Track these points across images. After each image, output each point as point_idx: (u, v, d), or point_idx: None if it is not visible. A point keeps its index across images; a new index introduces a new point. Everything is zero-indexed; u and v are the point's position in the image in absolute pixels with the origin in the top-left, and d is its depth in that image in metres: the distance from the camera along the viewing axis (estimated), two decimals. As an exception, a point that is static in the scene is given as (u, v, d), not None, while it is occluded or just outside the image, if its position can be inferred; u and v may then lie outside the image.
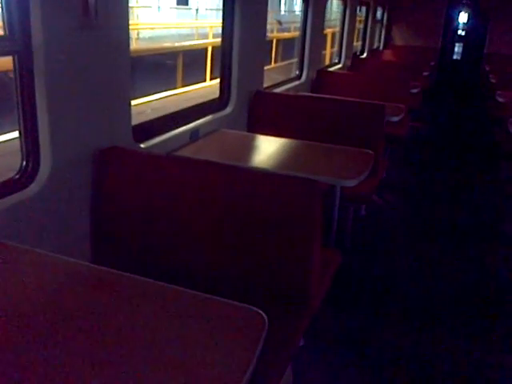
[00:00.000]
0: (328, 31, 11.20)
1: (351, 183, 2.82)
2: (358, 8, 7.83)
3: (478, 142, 7.38)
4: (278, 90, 4.97)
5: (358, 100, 4.38)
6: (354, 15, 7.22)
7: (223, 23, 3.72)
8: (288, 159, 3.25)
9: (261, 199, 2.24)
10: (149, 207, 2.39)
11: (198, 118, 3.49)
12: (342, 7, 7.07)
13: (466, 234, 4.39)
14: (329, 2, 6.32)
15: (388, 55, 9.19)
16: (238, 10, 3.67)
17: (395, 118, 4.51)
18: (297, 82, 5.44)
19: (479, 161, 6.57)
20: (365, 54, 8.65)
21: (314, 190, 2.13)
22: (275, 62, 12.28)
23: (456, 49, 11.54)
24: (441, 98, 10.16)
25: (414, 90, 6.13)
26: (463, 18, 11.24)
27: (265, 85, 4.92)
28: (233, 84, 3.85)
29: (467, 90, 10.50)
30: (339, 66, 7.11)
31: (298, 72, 5.56)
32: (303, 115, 4.10)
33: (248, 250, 2.25)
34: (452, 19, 10.92)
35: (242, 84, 3.92)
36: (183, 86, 11.14)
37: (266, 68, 4.60)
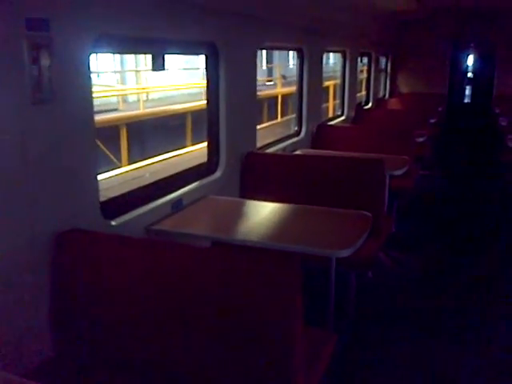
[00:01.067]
0: (330, 83, 11.14)
1: (345, 253, 2.54)
2: (360, 58, 7.76)
3: (491, 190, 6.99)
4: (275, 148, 4.78)
5: (356, 156, 4.15)
6: (354, 66, 7.11)
7: (207, 83, 3.57)
8: (280, 227, 2.99)
9: (238, 279, 2.00)
10: (115, 295, 2.15)
11: (183, 186, 3.29)
12: (341, 59, 6.98)
13: (485, 293, 4.02)
14: (329, 54, 6.23)
15: (394, 104, 9.02)
16: (223, 69, 3.52)
17: (399, 172, 4.25)
18: (296, 139, 5.25)
19: (494, 210, 6.18)
20: (370, 104, 8.49)
21: (292, 266, 1.88)
22: (282, 116, 12.24)
23: (464, 91, 11.36)
24: (451, 144, 9.88)
25: (421, 139, 5.90)
26: (470, 60, 11.12)
27: (267, 140, 4.77)
28: (221, 146, 3.66)
29: (478, 133, 10.21)
30: (342, 118, 6.94)
31: (296, 128, 5.38)
32: (299, 175, 3.87)
33: (222, 338, 1.98)
34: (458, 63, 10.80)
35: (232, 145, 3.73)
36: (193, 145, 11.15)
37: (270, 123, 4.44)
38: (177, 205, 3.11)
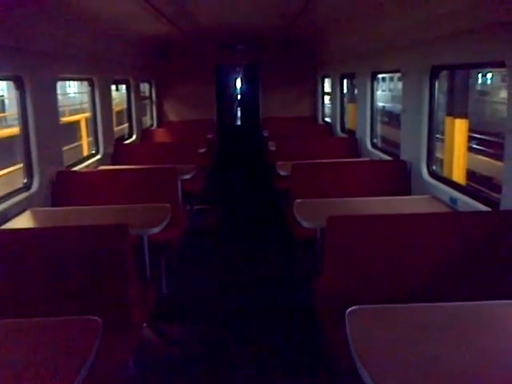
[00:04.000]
0: (81, 117, 9.92)
1: None
2: (115, 86, 6.75)
3: (271, 223, 6.46)
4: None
5: (96, 223, 3.08)
6: (106, 95, 6.07)
7: None
8: None
9: None
10: None
11: None
12: (88, 88, 5.88)
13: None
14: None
15: (161, 134, 8.16)
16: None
17: (156, 229, 3.33)
18: (25, 194, 3.96)
19: (274, 249, 5.54)
20: (134, 137, 7.50)
21: None
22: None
23: (236, 114, 11.11)
24: (226, 174, 9.45)
25: (187, 176, 5.12)
26: (237, 84, 10.90)
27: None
28: None
29: (251, 160, 9.93)
30: (98, 157, 5.81)
31: (26, 180, 4.10)
32: (28, 262, 2.66)
33: None
34: (227, 86, 10.48)
35: None
36: None
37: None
38: None
